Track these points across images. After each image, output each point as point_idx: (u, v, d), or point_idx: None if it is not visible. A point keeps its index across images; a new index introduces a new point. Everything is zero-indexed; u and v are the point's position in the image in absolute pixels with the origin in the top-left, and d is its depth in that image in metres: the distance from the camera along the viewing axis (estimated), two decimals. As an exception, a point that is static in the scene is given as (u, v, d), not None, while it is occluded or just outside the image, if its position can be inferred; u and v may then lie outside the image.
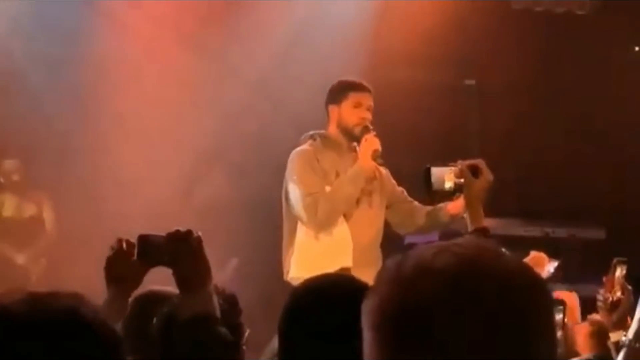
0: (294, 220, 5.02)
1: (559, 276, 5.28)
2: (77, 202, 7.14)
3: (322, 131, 5.15)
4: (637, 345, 2.88)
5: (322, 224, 4.92)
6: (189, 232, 2.48)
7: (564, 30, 8.08)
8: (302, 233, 4.99)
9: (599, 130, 7.99)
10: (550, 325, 1.22)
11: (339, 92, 5.12)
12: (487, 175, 3.18)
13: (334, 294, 2.13)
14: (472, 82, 8.35)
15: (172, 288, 2.58)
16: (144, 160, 7.06)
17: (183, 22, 7.43)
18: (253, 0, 7.46)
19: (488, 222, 3.20)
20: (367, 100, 5.08)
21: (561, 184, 7.96)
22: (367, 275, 2.07)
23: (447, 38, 7.63)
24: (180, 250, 2.46)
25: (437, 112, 7.90)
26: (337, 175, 5.01)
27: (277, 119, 7.16)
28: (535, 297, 1.19)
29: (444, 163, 3.30)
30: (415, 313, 1.15)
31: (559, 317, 5.00)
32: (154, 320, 2.59)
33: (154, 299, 2.75)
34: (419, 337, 1.14)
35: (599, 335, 4.91)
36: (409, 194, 5.26)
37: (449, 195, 3.56)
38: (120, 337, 1.44)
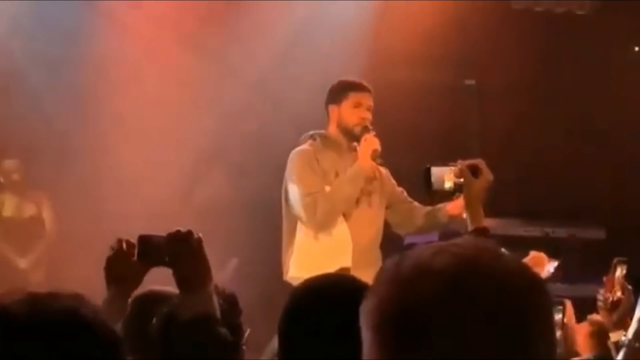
0: (294, 220, 5.02)
1: (559, 276, 5.29)
2: (77, 202, 7.14)
3: (322, 131, 5.15)
4: (637, 345, 2.88)
5: (322, 224, 4.92)
6: (189, 233, 2.48)
7: (564, 30, 8.08)
8: (302, 233, 4.99)
9: (599, 130, 7.99)
10: (550, 325, 1.22)
11: (339, 92, 5.12)
12: (487, 175, 3.18)
13: (334, 294, 2.13)
14: (472, 82, 8.35)
15: (172, 288, 2.58)
16: (144, 160, 7.06)
17: (183, 22, 7.43)
18: (253, 0, 7.46)
19: (488, 222, 3.20)
20: (367, 100, 5.08)
21: (561, 184, 7.96)
22: (367, 276, 2.07)
23: (447, 38, 7.63)
24: (181, 251, 2.46)
25: (437, 112, 7.90)
26: (337, 175, 5.01)
27: (277, 119, 7.16)
28: (535, 297, 1.19)
29: (444, 163, 3.30)
30: (414, 313, 1.15)
31: (558, 317, 5.01)
32: (154, 320, 2.59)
33: (154, 299, 2.75)
34: (418, 337, 1.14)
35: (599, 335, 4.91)
36: (409, 193, 5.26)
37: (449, 195, 3.56)
38: (120, 338, 1.44)
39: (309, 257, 4.92)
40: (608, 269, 3.33)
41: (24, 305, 1.38)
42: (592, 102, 7.94)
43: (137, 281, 2.81)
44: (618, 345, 3.00)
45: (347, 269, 4.68)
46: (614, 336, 3.15)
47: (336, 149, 5.09)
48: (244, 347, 2.70)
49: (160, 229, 2.57)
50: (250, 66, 7.54)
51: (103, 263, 2.82)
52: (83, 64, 7.24)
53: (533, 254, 4.73)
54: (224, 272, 6.91)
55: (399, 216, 5.25)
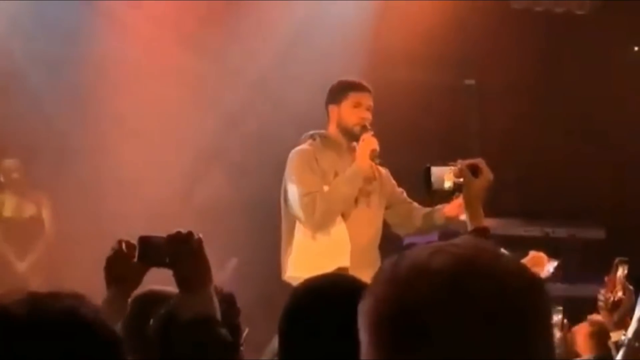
0: (293, 220, 5.02)
1: (559, 276, 5.29)
2: (77, 202, 7.14)
3: (322, 131, 5.16)
4: (637, 344, 2.88)
5: (320, 224, 4.92)
6: (189, 234, 2.48)
7: (564, 30, 8.08)
8: (300, 233, 4.99)
9: (599, 130, 7.99)
10: (548, 325, 1.22)
11: (339, 92, 5.12)
12: (487, 175, 3.18)
13: (334, 294, 2.13)
14: (472, 82, 8.35)
15: (172, 288, 2.58)
16: (144, 160, 7.06)
17: (183, 22, 7.43)
18: (253, 0, 7.46)
19: (488, 222, 3.19)
20: (367, 100, 5.08)
21: (561, 184, 7.96)
22: (366, 276, 2.06)
23: (447, 38, 7.63)
24: (181, 252, 2.46)
25: (436, 112, 7.90)
26: (336, 175, 5.01)
27: (277, 119, 7.16)
28: (533, 297, 1.19)
29: (443, 163, 3.29)
30: (411, 313, 1.15)
31: (557, 318, 5.01)
32: (151, 321, 2.59)
33: (154, 299, 2.75)
34: (416, 337, 1.14)
35: (599, 335, 4.91)
36: (409, 193, 5.26)
37: (449, 194, 3.56)
38: (120, 337, 1.44)
39: (307, 256, 4.92)
40: (608, 269, 3.33)
41: (24, 305, 1.38)
42: (592, 102, 7.94)
43: (137, 281, 2.81)
44: (618, 345, 3.00)
45: (345, 269, 4.67)
46: (614, 336, 3.15)
47: (336, 149, 5.09)
48: (242, 348, 2.70)
49: (160, 229, 2.57)
50: (250, 66, 7.54)
51: (103, 263, 2.82)
52: (83, 64, 7.24)
53: (533, 253, 4.72)
54: (224, 272, 6.91)
55: (399, 217, 5.26)
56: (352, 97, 5.07)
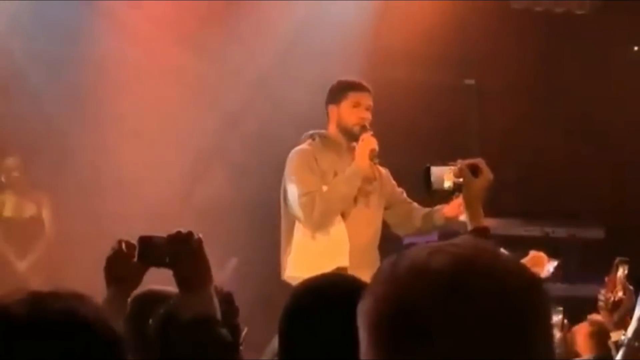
0: (292, 219, 5.02)
1: (559, 276, 5.29)
2: (77, 202, 7.14)
3: (322, 131, 5.16)
4: (637, 344, 2.88)
5: (319, 223, 4.92)
6: (189, 234, 2.49)
7: (564, 30, 8.08)
8: (299, 232, 5.00)
9: (599, 130, 7.99)
10: (548, 325, 1.22)
11: (339, 92, 5.12)
12: (487, 175, 3.18)
13: (334, 294, 2.13)
14: (472, 81, 8.35)
15: (172, 288, 2.58)
16: (144, 160, 7.06)
17: (183, 22, 7.43)
18: (253, 0, 7.46)
19: (488, 222, 3.19)
20: (367, 100, 5.08)
21: (561, 184, 7.96)
22: (365, 276, 2.07)
23: (446, 38, 7.63)
24: (181, 252, 2.46)
25: (436, 111, 7.90)
26: (336, 175, 5.01)
27: (277, 119, 7.16)
28: (533, 297, 1.19)
29: (443, 162, 3.29)
30: (411, 313, 1.15)
31: (558, 318, 5.01)
32: (150, 321, 2.59)
33: (154, 299, 2.75)
34: (415, 337, 1.14)
35: (599, 335, 4.91)
36: (409, 193, 5.26)
37: (449, 194, 3.56)
38: (121, 337, 1.44)
39: (306, 256, 4.92)
40: (608, 268, 3.32)
41: (24, 304, 1.38)
42: (592, 102, 7.94)
43: (137, 281, 2.81)
44: (618, 345, 3.00)
45: (344, 269, 4.68)
46: (614, 336, 3.15)
47: (335, 149, 5.09)
48: (241, 347, 2.70)
49: (161, 229, 2.58)
50: (250, 66, 7.54)
51: (103, 263, 2.82)
52: (83, 64, 7.24)
53: (533, 253, 4.73)
54: (224, 271, 6.91)
55: (398, 217, 5.26)
56: (352, 97, 5.07)
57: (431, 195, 3.43)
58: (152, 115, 7.16)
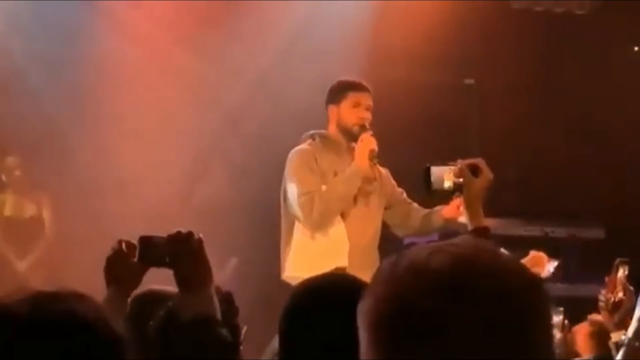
0: (292, 219, 5.02)
1: (559, 276, 5.29)
2: (77, 202, 7.14)
3: (322, 131, 5.16)
4: (637, 344, 2.88)
5: (318, 223, 4.92)
6: (190, 234, 2.49)
7: (564, 30, 8.08)
8: (299, 232, 5.00)
9: (599, 130, 7.99)
10: (548, 325, 1.22)
11: (338, 92, 5.12)
12: (487, 175, 3.18)
13: (334, 294, 2.13)
14: (472, 81, 8.35)
15: (172, 288, 2.58)
16: (144, 160, 7.06)
17: (183, 22, 7.43)
18: (253, 0, 7.47)
19: (488, 222, 3.19)
20: (366, 99, 5.08)
21: (561, 184, 7.96)
22: (365, 277, 2.07)
23: (446, 37, 7.63)
24: (181, 252, 2.46)
25: (436, 111, 7.90)
26: (336, 175, 5.01)
27: (277, 119, 7.15)
28: (533, 297, 1.19)
29: (443, 162, 3.29)
30: (411, 313, 1.15)
31: (558, 318, 5.00)
32: (151, 322, 2.59)
33: (154, 299, 2.75)
34: (415, 337, 1.14)
35: (599, 335, 4.91)
36: (408, 193, 5.27)
37: (449, 194, 3.56)
38: (121, 337, 1.44)
39: (306, 256, 4.92)
40: (608, 269, 3.32)
41: (25, 304, 1.38)
42: (592, 102, 7.93)
43: (137, 281, 2.81)
44: (618, 345, 3.00)
45: (343, 269, 4.67)
46: (615, 337, 3.15)
47: (335, 149, 5.09)
48: (242, 347, 2.70)
49: (161, 229, 2.58)
50: (250, 66, 7.54)
51: (103, 263, 2.82)
52: (83, 63, 7.25)
53: (533, 253, 4.73)
54: (224, 271, 6.91)
55: (398, 217, 5.26)
56: (352, 97, 5.07)
57: (431, 195, 3.43)
58: (152, 115, 7.16)
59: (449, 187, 3.27)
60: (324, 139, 5.12)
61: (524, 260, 3.87)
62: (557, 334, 4.99)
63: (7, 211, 7.41)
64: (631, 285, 3.25)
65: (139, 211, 6.67)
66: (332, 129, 5.13)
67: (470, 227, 3.15)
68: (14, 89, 7.25)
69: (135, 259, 2.67)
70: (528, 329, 1.17)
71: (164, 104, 7.29)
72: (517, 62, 7.88)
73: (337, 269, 4.62)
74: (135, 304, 2.81)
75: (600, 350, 5.02)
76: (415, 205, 5.23)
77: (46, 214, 7.42)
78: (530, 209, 7.85)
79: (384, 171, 5.25)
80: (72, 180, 7.13)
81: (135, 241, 2.67)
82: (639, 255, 3.62)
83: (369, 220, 5.09)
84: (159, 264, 2.55)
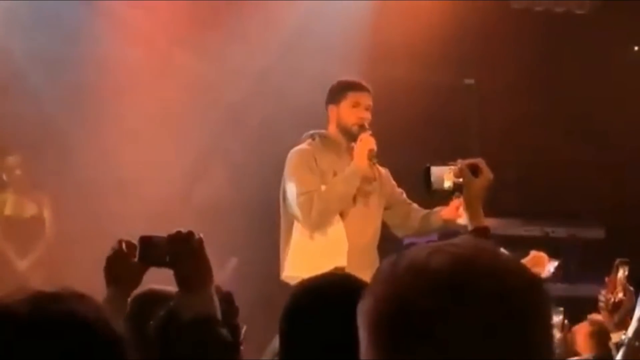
0: (291, 219, 5.03)
1: (559, 276, 5.29)
2: (77, 202, 7.14)
3: (322, 131, 5.16)
4: (637, 343, 2.88)
5: (317, 223, 4.92)
6: (190, 234, 2.49)
7: (564, 30, 8.08)
8: (298, 232, 5.00)
9: (599, 131, 7.99)
10: (548, 325, 1.22)
11: (338, 92, 5.12)
12: (487, 174, 3.18)
13: (334, 294, 2.13)
14: (472, 81, 8.34)
15: (172, 287, 2.58)
16: (144, 160, 7.06)
17: (183, 22, 7.43)
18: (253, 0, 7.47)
19: (488, 222, 3.19)
20: (366, 99, 5.08)
21: (561, 184, 7.96)
22: (365, 277, 2.08)
23: (446, 37, 7.63)
24: (182, 252, 2.46)
25: (436, 111, 7.90)
26: (335, 175, 5.01)
27: (278, 119, 7.15)
28: (533, 297, 1.19)
29: (443, 162, 3.29)
30: (410, 313, 1.15)
31: (558, 318, 5.00)
32: (151, 322, 2.59)
33: (154, 299, 2.76)
34: (415, 337, 1.14)
35: (599, 335, 4.91)
36: (408, 193, 5.27)
37: (449, 194, 3.56)
38: (122, 337, 1.44)
39: (305, 256, 4.92)
40: (608, 269, 3.32)
41: (25, 304, 1.38)
42: (592, 102, 7.93)
43: (137, 281, 2.81)
44: (618, 345, 3.00)
45: (342, 269, 4.67)
46: (615, 337, 3.15)
47: (335, 149, 5.10)
48: (242, 347, 2.70)
49: (161, 229, 2.58)
50: (250, 65, 7.53)
51: (103, 263, 2.82)
52: (83, 63, 7.24)
53: (533, 253, 4.73)
54: (224, 271, 6.91)
55: (397, 218, 5.26)
56: (351, 96, 5.07)
57: (431, 195, 3.43)
58: (152, 115, 7.16)
59: (449, 187, 3.27)
60: (324, 138, 5.13)
61: (524, 260, 3.87)
62: (557, 334, 4.99)
63: (8, 210, 7.41)
64: (631, 285, 3.25)
65: (139, 211, 6.67)
66: (332, 129, 5.13)
67: (470, 227, 3.15)
68: (14, 89, 7.24)
69: (136, 259, 2.67)
70: (528, 329, 1.17)
71: (164, 103, 7.28)
72: (517, 62, 7.88)
73: (336, 268, 4.62)
74: (135, 304, 2.81)
75: (600, 350, 5.02)
76: (415, 205, 5.24)
77: (47, 214, 7.42)
78: (530, 209, 7.85)
79: (383, 171, 5.25)
80: (72, 180, 7.12)
81: (135, 241, 2.67)
82: (639, 255, 3.62)
83: (368, 220, 5.09)
84: (159, 263, 2.55)
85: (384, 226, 5.21)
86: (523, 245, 5.16)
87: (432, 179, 3.29)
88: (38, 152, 7.29)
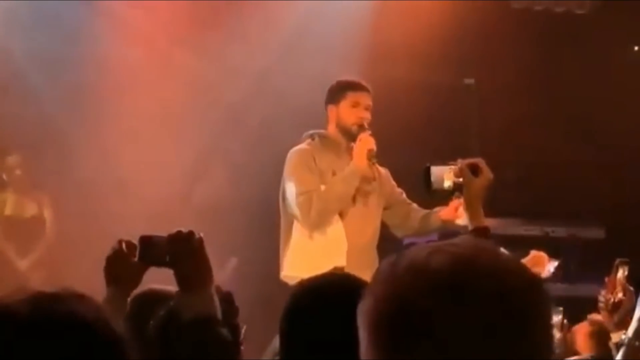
0: (291, 219, 5.03)
1: (559, 276, 5.29)
2: (77, 202, 7.14)
3: (322, 131, 5.16)
4: (637, 343, 2.88)
5: (316, 223, 4.92)
6: (190, 233, 2.49)
7: (564, 29, 8.08)
8: (297, 232, 5.00)
9: (599, 130, 7.98)
10: (548, 325, 1.22)
11: (337, 92, 5.12)
12: (487, 174, 3.18)
13: (334, 294, 2.13)
14: (472, 81, 8.34)
15: (172, 287, 2.58)
16: (144, 160, 7.06)
17: (183, 22, 7.43)
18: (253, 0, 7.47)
19: (488, 222, 3.19)
20: (365, 99, 5.08)
21: (561, 184, 7.96)
22: (364, 277, 2.08)
23: (446, 37, 7.63)
24: (182, 251, 2.46)
25: (436, 111, 7.90)
26: (334, 175, 5.01)
27: (278, 119, 7.15)
28: (533, 297, 1.19)
29: (443, 162, 3.29)
30: (410, 313, 1.15)
31: (557, 318, 5.00)
32: (151, 322, 2.59)
33: (154, 298, 2.75)
34: (415, 337, 1.14)
35: (599, 335, 4.91)
36: (408, 193, 5.27)
37: (449, 194, 3.56)
38: (122, 337, 1.44)
39: (304, 256, 4.92)
40: (608, 269, 3.32)
41: (25, 304, 1.38)
42: (592, 102, 7.93)
43: (137, 281, 2.81)
44: (618, 345, 3.00)
45: (341, 269, 4.67)
46: (615, 337, 3.15)
47: (334, 149, 5.10)
48: (242, 347, 2.70)
49: (161, 229, 2.58)
50: (250, 65, 7.54)
51: (103, 263, 2.82)
52: (83, 63, 7.24)
53: (534, 253, 4.73)
54: (224, 271, 6.92)
55: (397, 218, 5.26)
56: (351, 96, 5.07)
57: (431, 194, 3.43)
58: (152, 115, 7.16)
59: (449, 186, 3.27)
60: (323, 138, 5.13)
61: (524, 260, 3.87)
62: (556, 334, 4.99)
63: (8, 210, 7.41)
64: (631, 285, 3.25)
65: (139, 211, 6.67)
66: (332, 129, 5.13)
67: (470, 227, 3.15)
68: (14, 89, 7.25)
69: (136, 259, 2.67)
70: (528, 329, 1.17)
71: (164, 103, 7.29)
72: (517, 62, 7.88)
73: (335, 268, 4.62)
74: (135, 304, 2.81)
75: (600, 350, 5.02)
76: (414, 205, 5.23)
77: (47, 214, 7.42)
78: (530, 209, 7.85)
79: (383, 171, 5.25)
80: (72, 180, 7.13)
81: (135, 241, 2.67)
82: (639, 255, 3.62)
83: (367, 220, 5.09)
84: (160, 263, 2.55)
85: (384, 226, 5.21)
86: (523, 245, 5.16)
87: (432, 178, 3.29)
88: (38, 152, 7.29)
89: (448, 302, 1.14)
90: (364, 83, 5.14)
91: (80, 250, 6.52)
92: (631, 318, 2.97)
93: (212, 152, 7.66)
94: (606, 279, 3.30)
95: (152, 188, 7.05)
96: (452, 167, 3.24)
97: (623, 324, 3.12)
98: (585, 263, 7.28)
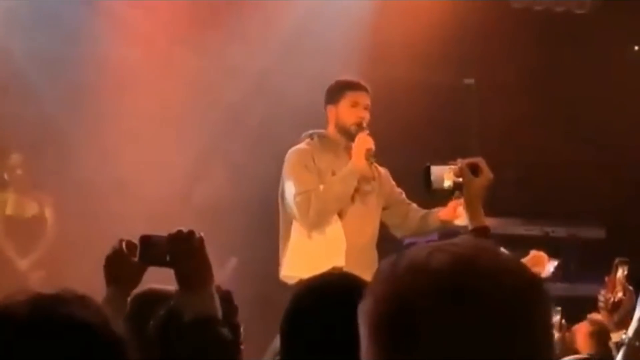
0: (290, 219, 5.03)
1: (559, 275, 5.29)
2: (78, 201, 7.14)
3: (321, 131, 5.16)
4: (637, 343, 2.88)
5: (314, 222, 4.92)
6: (190, 233, 2.48)
7: (564, 29, 8.08)
8: (296, 232, 5.00)
9: (598, 130, 7.99)
10: (548, 325, 1.22)
11: (336, 92, 5.12)
12: (487, 174, 3.18)
13: (335, 294, 2.13)
14: (471, 81, 8.34)
15: (172, 287, 2.58)
16: (144, 160, 7.06)
17: (183, 21, 7.43)
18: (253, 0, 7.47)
19: (488, 222, 3.19)
20: (364, 99, 5.08)
21: (561, 183, 7.96)
22: (363, 277, 2.08)
23: (446, 37, 7.63)
24: (182, 251, 2.46)
25: (436, 110, 7.90)
26: (333, 175, 5.01)
27: (278, 119, 7.15)
28: (533, 296, 1.19)
29: (443, 162, 3.29)
30: (411, 313, 1.15)
31: (556, 318, 5.01)
32: (151, 321, 2.59)
33: (154, 298, 2.75)
34: (415, 336, 1.14)
35: (599, 334, 4.91)
36: (407, 193, 5.26)
37: (449, 194, 3.56)
38: (122, 337, 1.44)
39: (303, 255, 4.92)
40: (608, 268, 3.32)
41: (26, 305, 1.38)
42: (592, 102, 7.93)
43: (137, 280, 2.81)
44: (618, 345, 3.00)
45: (340, 268, 4.67)
46: (615, 337, 3.15)
47: (333, 149, 5.10)
48: (242, 347, 2.70)
49: (161, 229, 2.58)
50: (250, 65, 7.54)
51: (103, 263, 2.82)
52: (83, 63, 7.25)
53: (534, 253, 4.73)
54: (224, 271, 6.91)
55: (396, 218, 5.26)
56: (350, 96, 5.07)
57: (431, 194, 3.43)
58: (152, 115, 7.16)
59: (449, 186, 3.27)
60: (323, 138, 5.13)
61: (524, 260, 3.87)
62: (555, 334, 5.00)
63: (9, 210, 7.42)
64: (631, 285, 3.25)
65: (139, 211, 6.67)
66: (331, 129, 5.13)
67: (470, 227, 3.15)
68: (14, 89, 7.25)
69: (136, 259, 2.67)
70: (528, 328, 1.17)
71: (164, 103, 7.29)
72: (516, 61, 7.88)
73: (334, 268, 4.62)
74: (135, 303, 2.81)
75: (600, 350, 5.02)
76: (414, 205, 5.23)
77: (48, 213, 7.43)
78: (530, 209, 7.85)
79: (383, 171, 5.25)
80: (72, 180, 7.13)
81: (135, 241, 2.67)
82: (639, 255, 3.62)
83: (367, 220, 5.09)
84: (160, 263, 2.55)
85: (384, 226, 5.21)
86: (523, 244, 5.17)
87: (432, 178, 3.29)
88: (38, 152, 7.29)
89: (448, 302, 1.14)
90: (362, 83, 5.14)
91: (80, 250, 6.51)
92: (631, 318, 2.97)
93: (212, 152, 7.66)
94: (606, 279, 3.30)
95: (152, 188, 7.05)
96: (452, 166, 3.24)
97: (623, 324, 3.12)
98: (585, 263, 7.28)
